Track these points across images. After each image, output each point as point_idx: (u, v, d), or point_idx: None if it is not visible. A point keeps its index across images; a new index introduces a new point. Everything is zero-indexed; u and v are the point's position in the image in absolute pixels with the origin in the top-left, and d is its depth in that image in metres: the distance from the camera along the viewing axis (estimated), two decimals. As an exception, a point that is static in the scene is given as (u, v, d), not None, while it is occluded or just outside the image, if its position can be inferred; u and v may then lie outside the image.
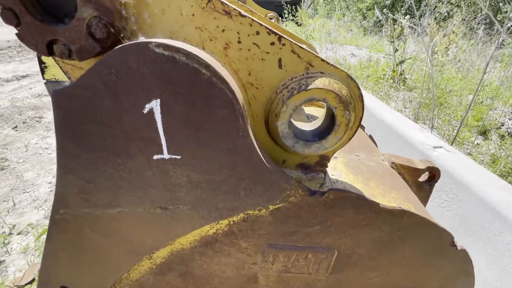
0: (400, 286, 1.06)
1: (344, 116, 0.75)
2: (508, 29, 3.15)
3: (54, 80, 3.00)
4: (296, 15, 17.86)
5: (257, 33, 0.68)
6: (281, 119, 0.76)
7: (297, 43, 0.70)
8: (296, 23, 18.22)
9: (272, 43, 0.69)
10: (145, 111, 0.63)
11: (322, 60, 0.72)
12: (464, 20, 9.20)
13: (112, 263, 0.98)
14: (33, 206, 2.83)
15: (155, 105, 0.62)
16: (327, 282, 1.06)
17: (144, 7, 0.65)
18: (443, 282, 1.04)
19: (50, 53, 0.65)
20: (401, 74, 6.07)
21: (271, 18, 3.88)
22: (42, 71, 2.98)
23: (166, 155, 0.69)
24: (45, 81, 3.03)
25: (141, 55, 0.57)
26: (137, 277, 1.07)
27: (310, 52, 0.71)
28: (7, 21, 0.60)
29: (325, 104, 0.78)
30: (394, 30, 6.12)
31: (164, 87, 0.60)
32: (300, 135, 0.82)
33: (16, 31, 0.63)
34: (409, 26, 6.04)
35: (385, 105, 2.27)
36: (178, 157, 0.70)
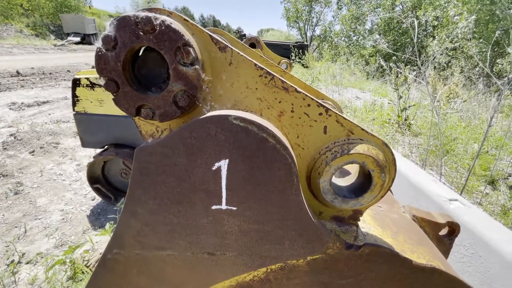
0: None
1: (380, 178, 0.84)
2: (508, 83, 3.37)
3: (83, 112, 3.21)
4: (303, 58, 19.05)
5: (308, 105, 0.81)
6: (324, 177, 0.85)
7: (341, 114, 0.83)
8: (303, 65, 19.37)
9: (320, 114, 0.82)
10: (214, 168, 0.73)
11: (362, 129, 0.83)
12: (463, 71, 9.76)
13: (147, 305, 1.00)
14: (44, 234, 2.83)
15: (223, 164, 0.72)
16: (356, 338, 1.06)
17: (219, 81, 0.79)
18: None
19: (137, 114, 0.77)
20: (405, 119, 6.30)
21: (283, 65, 4.21)
22: (74, 104, 3.21)
23: (223, 206, 0.78)
24: (74, 112, 3.24)
25: (220, 124, 0.68)
26: (166, 320, 1.08)
27: (351, 122, 0.83)
28: (109, 89, 0.74)
29: (360, 166, 0.88)
30: (398, 78, 6.50)
31: (234, 150, 0.70)
32: (337, 191, 0.91)
33: (113, 97, 0.76)
34: (412, 77, 6.42)
35: (398, 154, 2.37)
36: (234, 208, 0.78)
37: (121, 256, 0.89)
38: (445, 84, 8.55)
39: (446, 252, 1.41)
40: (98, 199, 3.52)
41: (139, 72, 0.78)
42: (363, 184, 0.91)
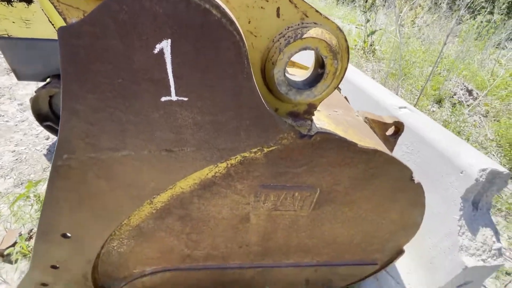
0: (367, 218, 1.28)
1: (332, 65, 0.84)
2: (467, 4, 3.40)
3: (6, 36, 2.67)
4: (270, -21, 16.99)
5: (259, -20, 0.72)
6: (278, 66, 0.83)
7: (294, -7, 0.76)
8: (270, -12, 17.40)
9: (272, -9, 0.74)
10: (156, 51, 0.66)
11: (316, 11, 0.79)
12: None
13: (114, 209, 1.03)
14: (-2, 175, 2.66)
15: (165, 45, 0.65)
16: (309, 218, 1.24)
17: None
18: (402, 212, 1.27)
19: (50, -13, 0.63)
20: (371, 45, 6.29)
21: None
22: (-8, 25, 2.63)
23: (173, 97, 0.74)
24: (-4, 37, 2.69)
25: (154, -8, 0.59)
26: (137, 223, 1.15)
27: (305, 2, 0.77)
28: None
29: (315, 54, 0.87)
30: (367, 0, 6.20)
31: (176, 27, 0.63)
32: (292, 84, 0.90)
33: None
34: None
35: (358, 71, 2.42)
36: (185, 99, 0.75)
37: (74, 162, 0.86)
38: (411, 8, 8.40)
39: (391, 149, 1.58)
40: (53, 137, 3.28)
41: None
42: (317, 76, 0.91)
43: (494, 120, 4.21)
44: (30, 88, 4.25)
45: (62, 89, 0.71)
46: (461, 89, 4.69)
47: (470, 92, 4.77)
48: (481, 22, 7.13)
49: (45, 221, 1.04)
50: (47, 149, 3.15)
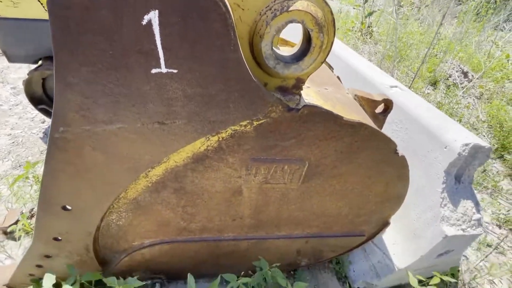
0: (354, 190, 1.34)
1: (318, 38, 0.86)
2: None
3: (-4, 16, 2.61)
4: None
5: (244, -50, 0.73)
6: (265, 40, 0.85)
7: (280, -35, 0.77)
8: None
9: (258, -38, 0.75)
10: (144, 22, 0.68)
11: (302, -17, 0.80)
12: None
13: (111, 181, 1.08)
14: (-4, 158, 2.69)
15: (153, 16, 0.67)
16: (299, 191, 1.30)
17: None
18: (387, 185, 1.33)
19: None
20: (369, 26, 6.20)
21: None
22: (-20, 5, 2.56)
23: (163, 69, 0.77)
24: (-15, 17, 2.63)
25: (140, -39, 0.60)
26: (134, 196, 1.20)
27: (291, -26, 0.79)
28: None
29: (302, 28, 0.89)
30: (365, -21, 6.04)
31: (162, -3, 0.65)
32: (280, 58, 0.93)
33: None
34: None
35: (351, 50, 2.42)
36: (175, 71, 0.78)
37: (70, 134, 0.90)
38: (411, -12, 8.19)
39: (380, 126, 1.63)
40: (49, 120, 3.29)
41: None
42: (304, 50, 0.94)
43: (488, 102, 4.25)
44: (22, 71, 4.19)
45: (54, 62, 0.73)
46: (457, 71, 4.70)
47: (465, 74, 4.77)
48: (480, 2, 7.00)
49: (45, 193, 1.08)
50: (43, 132, 3.16)
